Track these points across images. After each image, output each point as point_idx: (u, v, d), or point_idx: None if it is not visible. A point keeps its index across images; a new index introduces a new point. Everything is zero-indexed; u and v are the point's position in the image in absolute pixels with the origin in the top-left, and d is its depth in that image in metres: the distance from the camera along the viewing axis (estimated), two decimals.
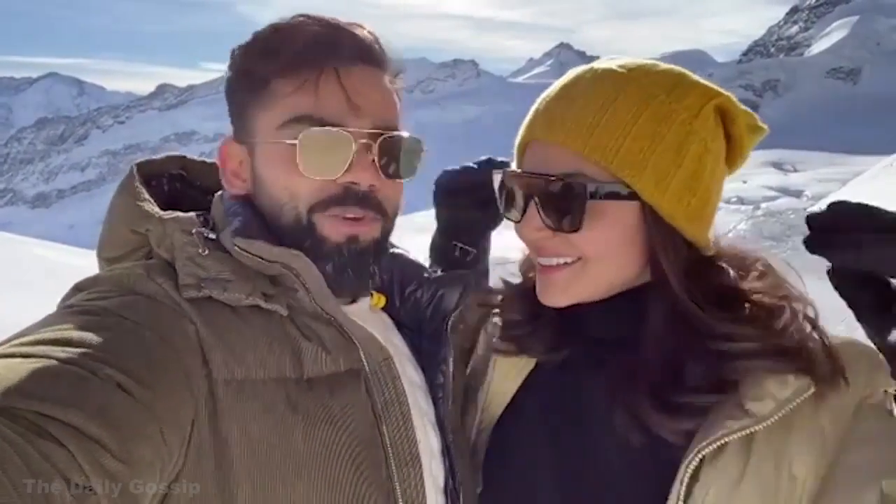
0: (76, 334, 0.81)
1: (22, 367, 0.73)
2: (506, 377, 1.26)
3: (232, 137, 1.12)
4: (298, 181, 1.04)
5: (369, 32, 1.11)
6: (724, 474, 0.94)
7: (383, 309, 1.24)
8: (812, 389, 0.93)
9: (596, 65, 1.08)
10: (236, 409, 0.90)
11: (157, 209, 1.04)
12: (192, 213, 1.05)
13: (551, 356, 1.19)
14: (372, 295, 1.21)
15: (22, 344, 0.79)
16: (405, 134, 1.10)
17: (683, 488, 0.95)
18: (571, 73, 1.10)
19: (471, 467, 1.19)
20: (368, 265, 1.09)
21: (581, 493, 1.09)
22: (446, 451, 1.14)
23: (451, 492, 1.12)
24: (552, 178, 1.02)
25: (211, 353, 0.91)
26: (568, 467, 1.11)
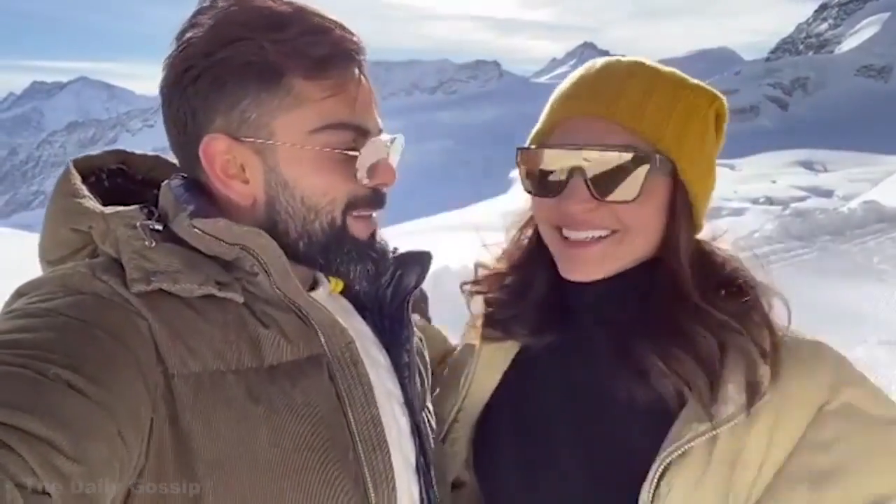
0: (21, 336, 0.78)
1: None
2: (490, 364, 1.28)
3: (221, 134, 1.00)
4: (342, 186, 1.04)
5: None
6: (688, 473, 0.99)
7: (342, 293, 1.23)
8: (768, 397, 0.99)
9: (617, 58, 1.15)
10: (196, 404, 0.88)
11: (97, 205, 1.00)
12: (135, 207, 1.01)
13: (537, 339, 1.22)
14: (329, 280, 1.20)
15: None
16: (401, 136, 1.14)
17: (652, 488, 1.00)
18: (595, 62, 1.16)
19: (439, 450, 1.21)
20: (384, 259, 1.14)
21: (583, 465, 1.12)
22: (416, 430, 1.15)
23: (422, 470, 1.13)
24: (615, 148, 1.05)
25: (165, 349, 0.88)
26: (568, 443, 1.14)
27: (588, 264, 1.10)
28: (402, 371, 1.18)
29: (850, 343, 6.25)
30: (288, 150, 1.02)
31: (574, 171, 1.06)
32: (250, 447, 0.90)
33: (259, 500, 0.90)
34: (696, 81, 1.14)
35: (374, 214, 1.10)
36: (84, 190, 1.02)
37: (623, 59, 1.14)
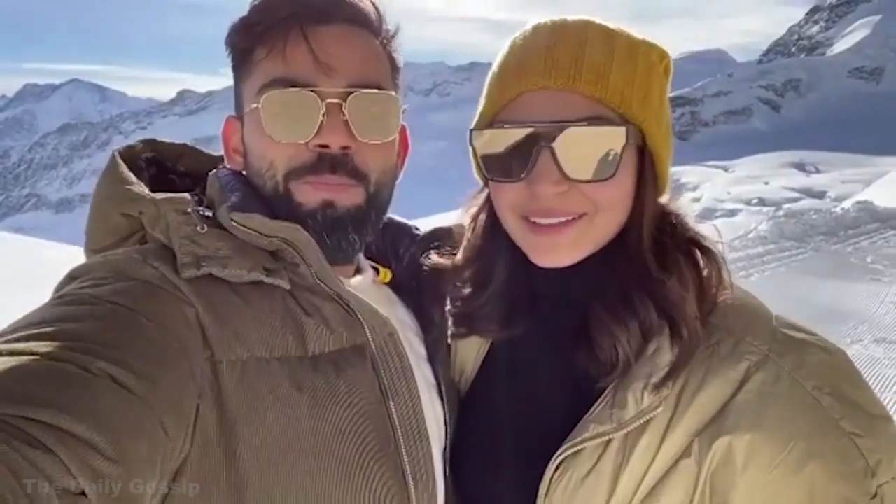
0: (67, 327, 0.78)
1: (7, 367, 0.70)
2: (468, 356, 1.25)
3: (233, 117, 1.13)
4: (270, 146, 1.02)
5: None
6: (575, 473, 0.98)
7: (388, 284, 1.21)
8: (661, 408, 0.95)
9: (563, 18, 1.05)
10: (241, 390, 0.88)
11: (147, 191, 1.00)
12: (185, 193, 1.02)
13: (506, 332, 1.17)
14: (378, 270, 1.20)
15: (8, 340, 0.75)
16: (380, 91, 1.04)
17: (546, 482, 1.00)
18: (538, 27, 1.06)
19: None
20: (347, 233, 1.05)
21: (518, 462, 1.09)
22: (447, 417, 1.14)
23: (444, 455, 1.12)
24: (586, 122, 0.97)
25: (212, 335, 0.89)
26: (517, 441, 1.11)
27: (560, 249, 1.03)
28: (436, 360, 1.17)
29: (845, 342, 6.27)
30: (247, 116, 1.06)
31: (541, 149, 0.98)
32: (293, 434, 0.90)
33: (300, 486, 0.90)
34: (642, 37, 1.06)
35: (336, 183, 1.02)
36: (133, 177, 1.02)
37: (570, 20, 1.04)
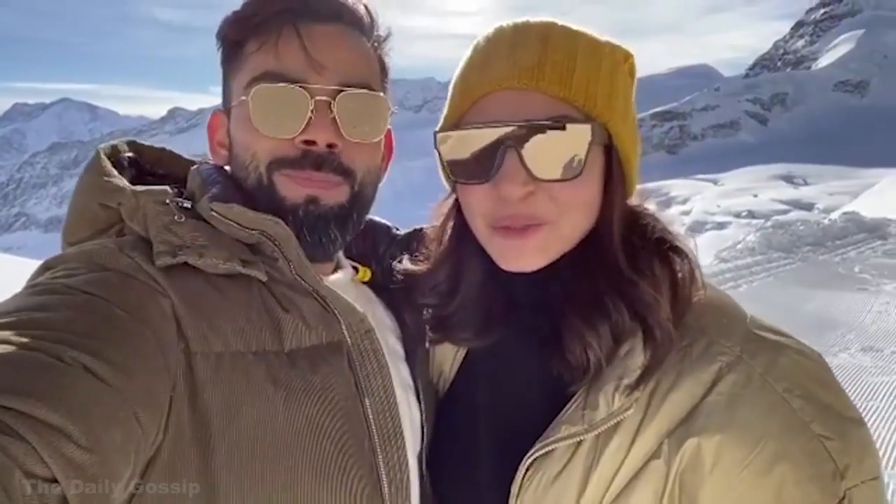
0: (40, 315, 0.77)
1: None
2: (444, 360, 1.24)
3: (219, 110, 1.13)
4: (255, 138, 1.01)
5: None
6: (545, 474, 0.98)
7: (367, 283, 1.21)
8: (632, 410, 0.95)
9: (525, 20, 1.04)
10: (215, 383, 0.87)
11: (127, 183, 1.01)
12: (164, 186, 1.01)
13: (481, 340, 1.15)
14: (357, 269, 1.19)
15: None
16: (369, 91, 1.05)
17: (518, 482, 0.99)
18: (501, 29, 1.05)
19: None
20: (329, 230, 1.04)
21: (493, 468, 1.08)
22: (423, 420, 1.13)
23: (420, 459, 1.11)
24: (550, 120, 0.95)
25: (187, 327, 0.88)
26: (491, 449, 1.10)
27: (526, 254, 1.02)
28: (415, 361, 1.16)
29: (833, 350, 6.33)
30: (234, 109, 1.07)
31: (507, 150, 0.97)
32: (267, 428, 0.89)
33: (274, 480, 0.88)
34: (605, 38, 1.05)
35: (313, 176, 1.02)
36: (114, 171, 1.03)
37: (532, 21, 1.03)
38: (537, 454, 0.98)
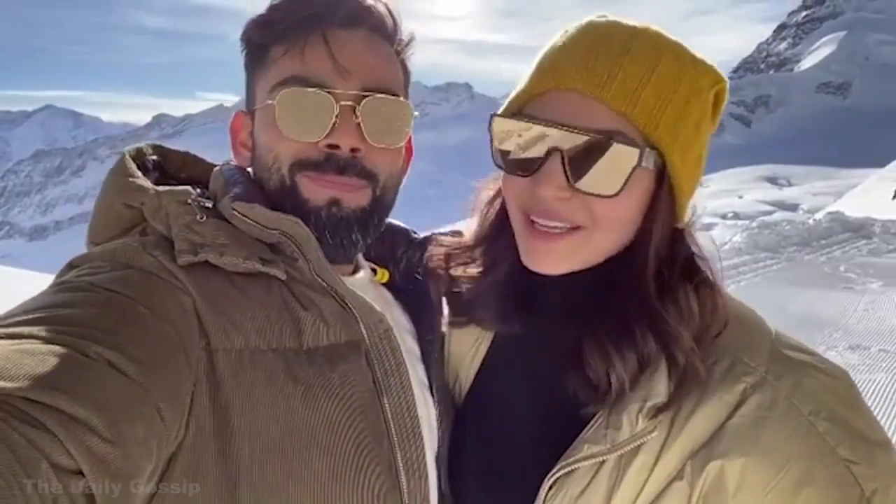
0: (65, 312, 0.79)
1: (7, 350, 0.71)
2: (462, 361, 1.24)
3: (242, 111, 1.15)
4: (279, 141, 1.03)
5: (380, 2, 1.09)
6: (568, 493, 0.97)
7: (385, 285, 1.22)
8: (656, 432, 0.93)
9: (618, 20, 1.01)
10: (236, 379, 0.89)
11: (150, 184, 1.03)
12: (186, 186, 1.03)
13: (503, 326, 1.16)
14: (375, 271, 1.21)
15: (7, 325, 0.76)
16: (393, 97, 1.06)
17: (541, 500, 0.99)
18: (594, 24, 1.01)
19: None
20: (351, 232, 1.06)
21: (518, 472, 1.08)
22: (439, 420, 1.14)
23: (438, 459, 1.12)
24: (601, 133, 0.93)
25: (209, 324, 0.90)
26: (517, 452, 1.10)
27: (552, 258, 1.01)
28: (430, 362, 1.17)
29: (820, 349, 6.37)
30: (259, 112, 1.09)
31: (552, 151, 0.95)
32: (287, 425, 0.90)
33: (294, 477, 0.89)
34: (699, 56, 1.00)
35: (335, 179, 1.03)
36: (138, 172, 1.05)
37: (622, 25, 0.99)
38: (560, 473, 0.97)
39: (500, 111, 1.07)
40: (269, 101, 1.02)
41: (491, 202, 1.20)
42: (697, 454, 0.91)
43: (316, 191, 1.03)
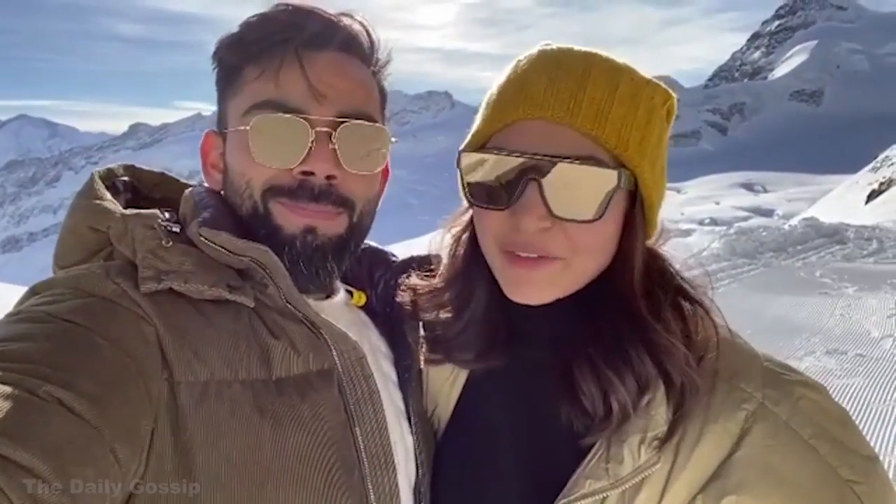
0: (17, 347, 0.76)
1: None
2: (440, 390, 1.21)
3: (212, 131, 1.12)
4: (251, 166, 1.00)
5: (356, 22, 1.07)
6: None
7: (362, 307, 1.20)
8: (660, 464, 0.92)
9: (569, 47, 1.02)
10: (200, 413, 0.86)
11: (118, 207, 1.00)
12: (154, 210, 1.00)
13: (482, 363, 1.13)
14: (352, 293, 1.18)
15: None
16: (369, 123, 1.03)
17: None
18: (545, 53, 1.02)
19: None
20: (326, 261, 1.03)
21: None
22: (417, 448, 1.11)
23: (418, 489, 1.09)
24: (580, 160, 0.93)
25: (171, 355, 0.87)
26: (504, 484, 1.07)
27: (535, 287, 0.99)
28: (406, 386, 1.14)
29: (798, 354, 6.44)
30: (230, 134, 1.06)
31: (529, 183, 0.94)
32: (254, 459, 0.87)
33: None
34: (648, 76, 1.02)
35: (309, 207, 1.00)
36: (106, 194, 1.02)
37: (576, 50, 1.00)
38: None
39: (464, 146, 1.05)
40: (243, 127, 0.99)
41: (458, 238, 1.17)
42: (708, 487, 0.90)
43: (290, 218, 1.00)
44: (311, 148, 0.98)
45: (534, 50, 1.04)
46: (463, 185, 1.04)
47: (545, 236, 0.96)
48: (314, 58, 1.00)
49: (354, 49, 1.06)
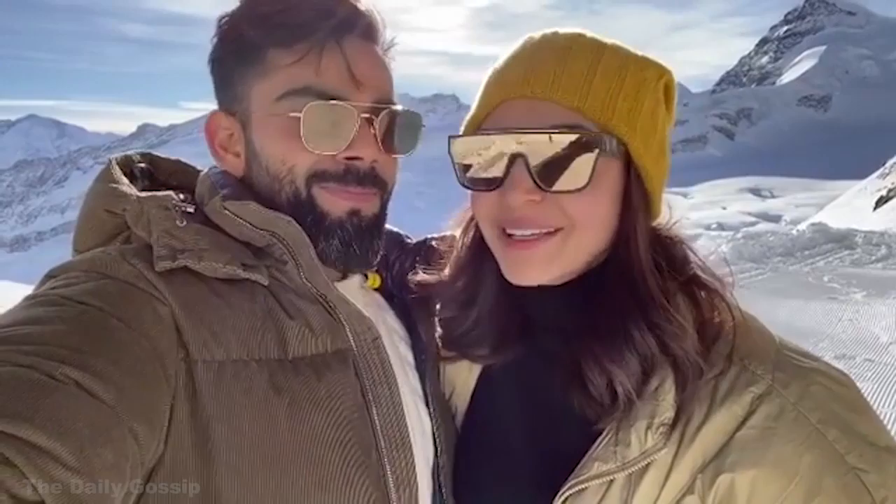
0: (34, 330, 0.76)
1: None
2: (458, 375, 1.22)
3: (218, 109, 1.10)
4: (296, 153, 1.01)
5: (368, 5, 1.08)
6: None
7: (378, 290, 1.20)
8: (666, 448, 0.92)
9: (554, 30, 1.02)
10: (217, 392, 0.87)
11: (133, 190, 1.01)
12: (169, 192, 1.02)
13: (497, 358, 1.14)
14: (367, 276, 1.18)
15: None
16: (405, 109, 1.08)
17: None
18: (532, 37, 1.03)
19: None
20: (373, 240, 1.07)
21: (518, 491, 1.07)
22: (435, 429, 1.11)
23: (436, 469, 1.09)
24: (558, 130, 0.93)
25: (188, 335, 0.87)
26: (518, 471, 1.08)
27: (533, 266, 1.00)
28: (425, 369, 1.15)
29: None
30: (259, 118, 1.05)
31: (515, 159, 0.95)
32: (270, 438, 0.88)
33: (277, 492, 0.87)
34: (641, 54, 1.02)
35: (355, 190, 1.03)
36: (123, 178, 1.04)
37: (561, 32, 1.01)
38: (570, 492, 0.96)
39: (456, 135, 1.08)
40: (291, 114, 0.99)
41: (465, 230, 1.18)
42: (707, 467, 0.90)
43: (335, 203, 1.02)
44: (355, 134, 1.00)
45: (523, 38, 1.05)
46: (456, 172, 1.06)
47: (537, 209, 0.96)
48: (351, 45, 1.02)
49: (375, 35, 1.08)
